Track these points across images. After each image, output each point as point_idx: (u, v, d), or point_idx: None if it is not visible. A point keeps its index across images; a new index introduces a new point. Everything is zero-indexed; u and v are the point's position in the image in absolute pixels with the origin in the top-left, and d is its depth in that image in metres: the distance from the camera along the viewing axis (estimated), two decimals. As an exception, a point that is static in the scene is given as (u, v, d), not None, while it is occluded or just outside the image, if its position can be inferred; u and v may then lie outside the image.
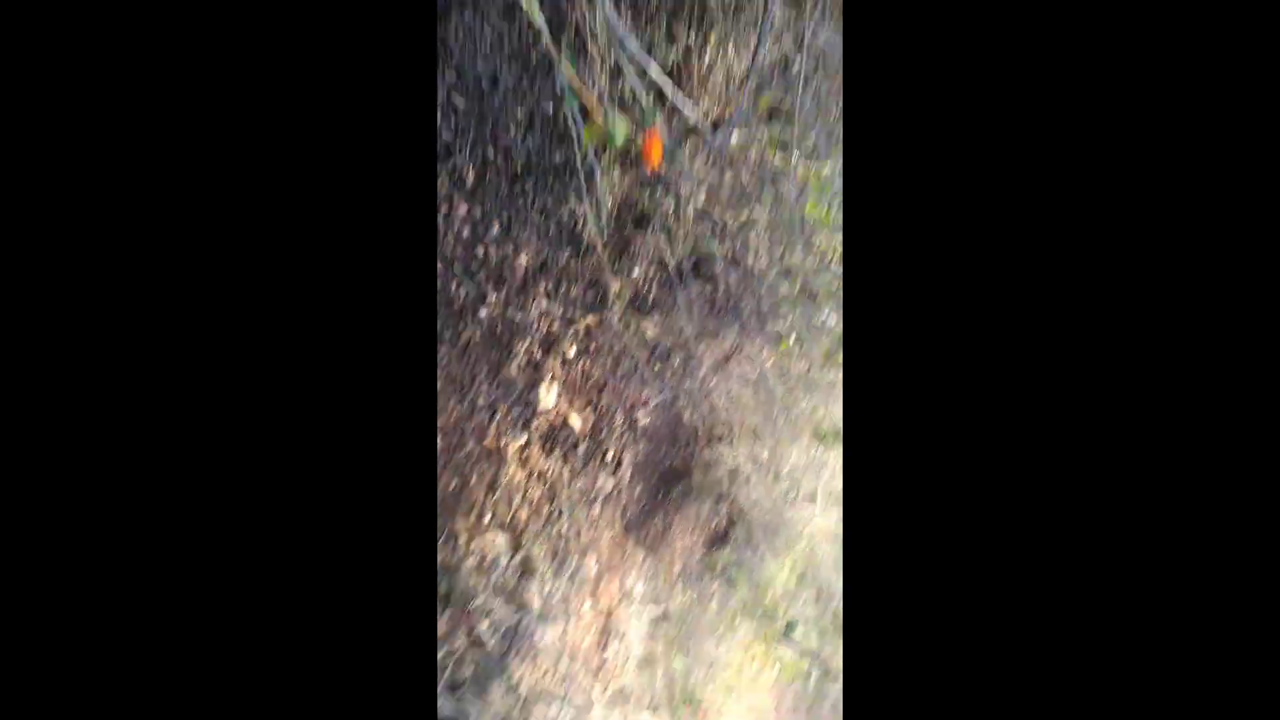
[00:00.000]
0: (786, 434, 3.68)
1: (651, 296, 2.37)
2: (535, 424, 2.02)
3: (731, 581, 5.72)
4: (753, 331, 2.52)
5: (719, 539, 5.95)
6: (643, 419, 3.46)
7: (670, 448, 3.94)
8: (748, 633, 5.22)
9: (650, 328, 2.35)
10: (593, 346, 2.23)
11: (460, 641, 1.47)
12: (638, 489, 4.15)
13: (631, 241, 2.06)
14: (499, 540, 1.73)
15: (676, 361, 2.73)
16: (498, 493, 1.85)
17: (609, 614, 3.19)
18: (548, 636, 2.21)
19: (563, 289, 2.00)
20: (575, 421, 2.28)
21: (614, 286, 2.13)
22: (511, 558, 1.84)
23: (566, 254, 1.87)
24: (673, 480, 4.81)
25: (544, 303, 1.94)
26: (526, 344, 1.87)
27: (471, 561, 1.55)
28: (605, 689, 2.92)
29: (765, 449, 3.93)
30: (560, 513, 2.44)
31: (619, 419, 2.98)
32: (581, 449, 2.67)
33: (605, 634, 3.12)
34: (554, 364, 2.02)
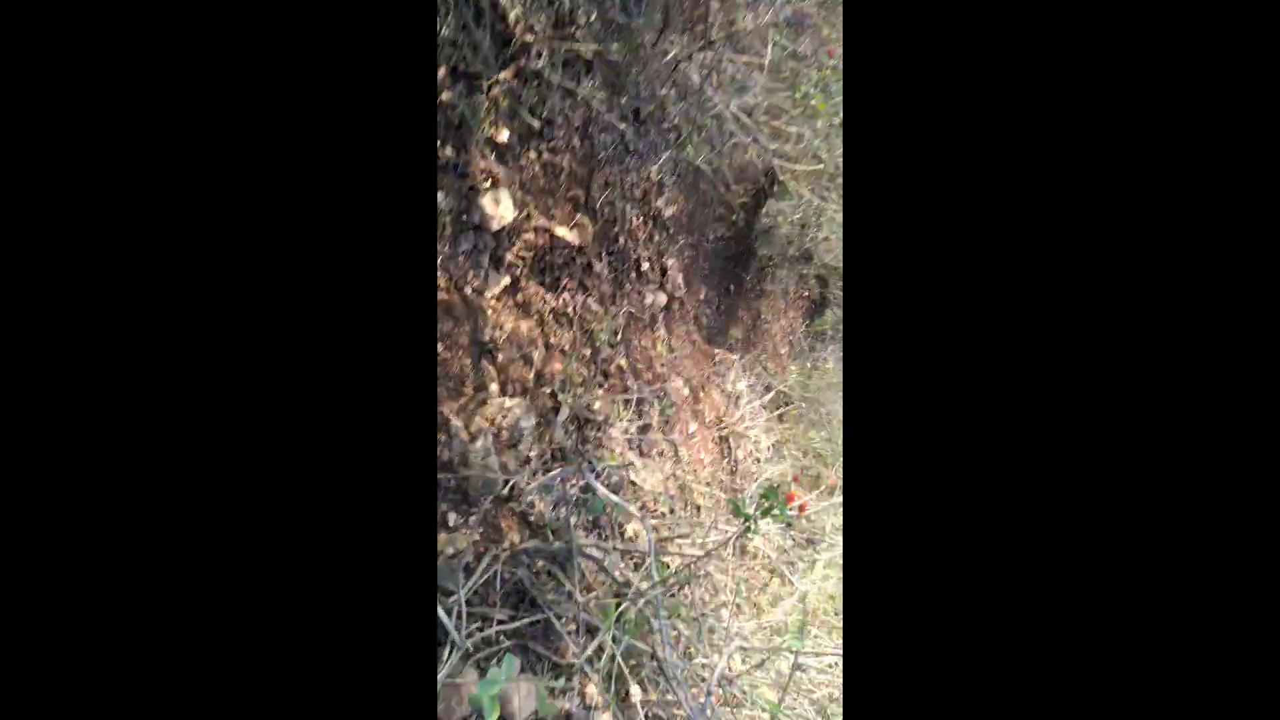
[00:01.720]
0: (826, 124, 2.86)
1: (582, 17, 1.59)
2: (510, 254, 1.51)
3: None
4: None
5: (817, 306, 5.47)
6: (666, 207, 2.82)
7: (712, 222, 3.31)
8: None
9: (600, 62, 1.62)
10: (539, 124, 1.58)
11: (515, 536, 1.14)
12: (702, 291, 3.65)
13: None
14: (511, 407, 1.31)
15: (660, 89, 1.98)
16: (500, 355, 1.43)
17: (719, 421, 2.90)
18: (651, 474, 1.94)
19: (460, 61, 1.33)
20: (567, 235, 1.73)
21: (519, 31, 1.41)
22: (544, 421, 1.46)
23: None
24: (740, 267, 4.24)
25: (445, 91, 1.30)
26: (447, 150, 1.28)
27: (480, 444, 1.18)
28: (752, 487, 2.73)
29: (824, 169, 3.15)
30: (604, 345, 2.02)
31: (632, 215, 2.37)
32: (602, 268, 2.14)
33: (723, 442, 2.86)
34: (493, 165, 1.43)
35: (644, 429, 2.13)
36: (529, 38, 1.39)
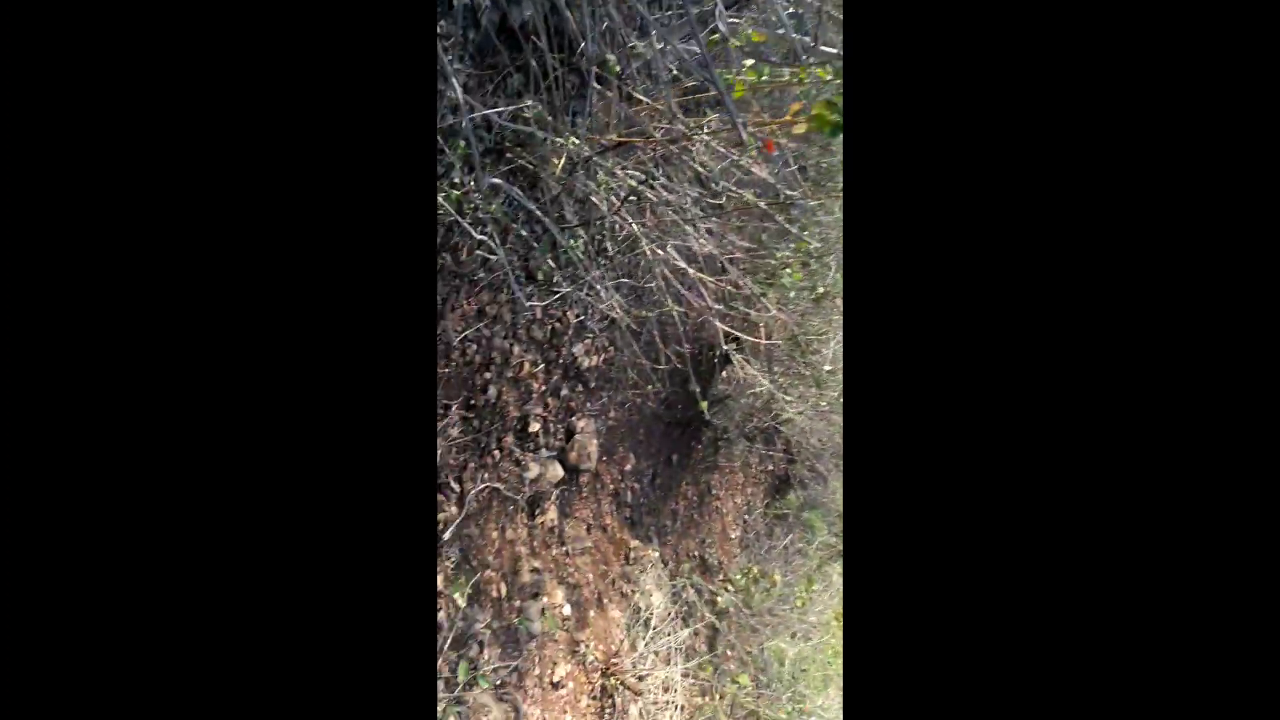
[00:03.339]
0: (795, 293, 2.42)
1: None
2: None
3: (807, 525, 4.57)
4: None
5: (781, 484, 4.77)
6: (585, 356, 2.25)
7: (654, 380, 2.71)
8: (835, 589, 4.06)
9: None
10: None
11: None
12: (630, 461, 2.97)
13: None
14: None
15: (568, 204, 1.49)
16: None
17: (606, 663, 2.03)
18: None
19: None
20: None
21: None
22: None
23: None
24: (689, 435, 3.61)
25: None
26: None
27: None
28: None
29: (787, 341, 2.67)
30: None
31: (523, 357, 1.76)
32: (447, 424, 1.48)
33: (605, 699, 1.96)
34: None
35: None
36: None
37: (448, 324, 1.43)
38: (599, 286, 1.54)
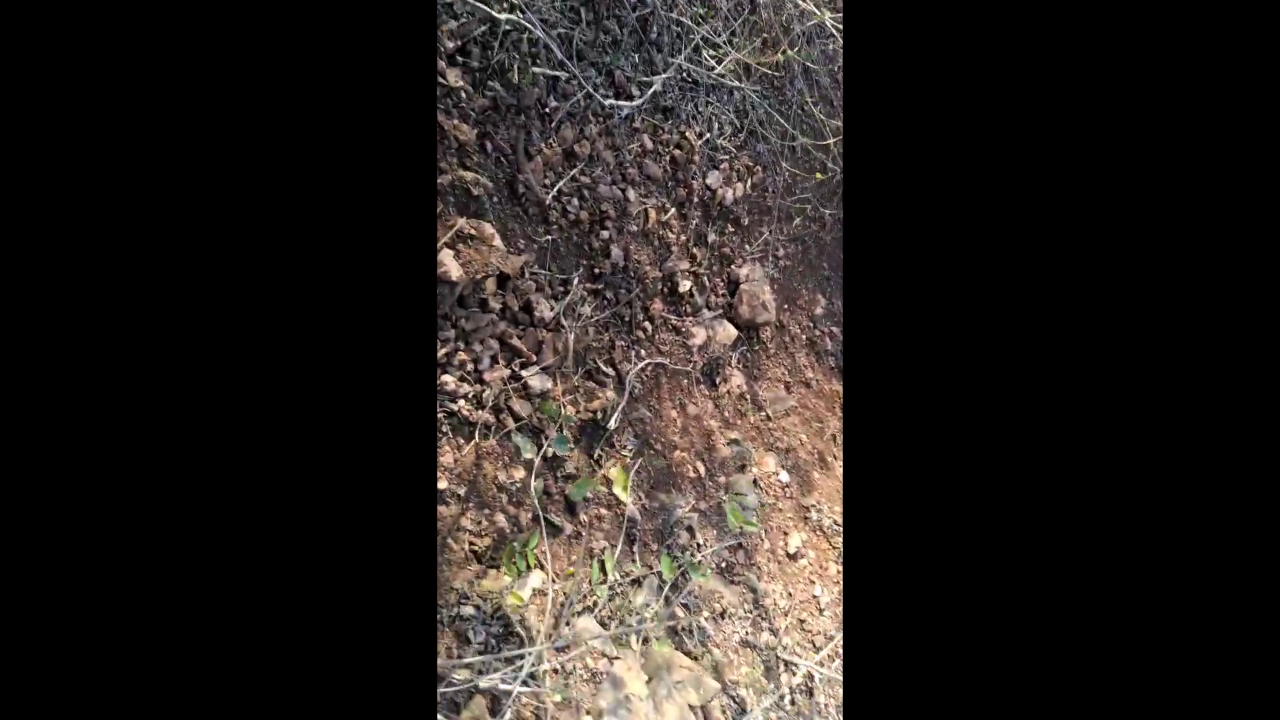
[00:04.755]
0: None
1: None
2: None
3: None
4: None
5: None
6: (726, 189, 1.78)
7: (817, 196, 2.10)
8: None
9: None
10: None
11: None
12: (820, 303, 2.48)
13: None
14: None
15: None
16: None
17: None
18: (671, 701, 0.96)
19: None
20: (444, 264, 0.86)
21: None
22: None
23: None
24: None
25: None
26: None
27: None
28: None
29: None
30: (558, 448, 1.10)
31: (646, 205, 1.42)
32: (564, 306, 1.25)
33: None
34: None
35: (661, 608, 1.16)
36: None
37: (529, 178, 1.13)
38: (705, 42, 1.07)
